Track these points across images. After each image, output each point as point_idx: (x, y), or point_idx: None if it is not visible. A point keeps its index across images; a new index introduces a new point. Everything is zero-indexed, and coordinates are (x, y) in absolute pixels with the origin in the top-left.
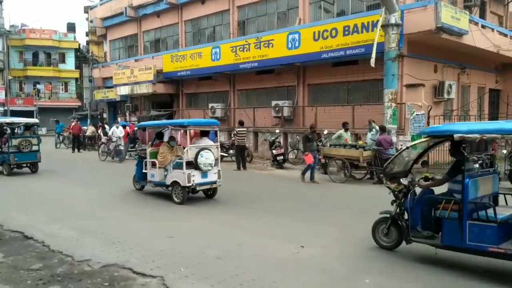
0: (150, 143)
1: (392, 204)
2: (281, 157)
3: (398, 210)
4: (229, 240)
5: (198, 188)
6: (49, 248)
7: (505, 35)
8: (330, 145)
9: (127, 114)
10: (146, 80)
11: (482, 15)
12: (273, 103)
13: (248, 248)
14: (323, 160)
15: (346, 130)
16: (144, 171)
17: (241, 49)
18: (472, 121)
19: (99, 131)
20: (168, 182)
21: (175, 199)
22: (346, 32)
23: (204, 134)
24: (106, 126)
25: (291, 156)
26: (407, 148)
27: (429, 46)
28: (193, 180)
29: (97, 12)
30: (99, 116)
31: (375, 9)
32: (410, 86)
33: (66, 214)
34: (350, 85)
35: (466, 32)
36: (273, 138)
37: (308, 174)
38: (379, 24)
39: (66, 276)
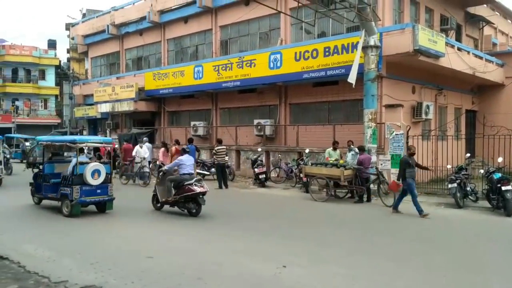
0: None
1: None
2: (263, 176)
3: None
4: (210, 260)
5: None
6: (25, 268)
7: (481, 58)
8: (312, 164)
9: (107, 131)
10: (127, 98)
11: (458, 38)
12: (255, 121)
13: (229, 268)
14: (304, 179)
15: (334, 149)
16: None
17: (223, 68)
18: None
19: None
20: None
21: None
22: (327, 53)
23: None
24: None
25: (273, 174)
26: None
27: (407, 67)
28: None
29: (78, 29)
30: (78, 134)
31: (355, 31)
32: (389, 106)
33: (41, 233)
34: (330, 104)
35: (442, 55)
36: (255, 156)
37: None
38: (359, 46)
39: None
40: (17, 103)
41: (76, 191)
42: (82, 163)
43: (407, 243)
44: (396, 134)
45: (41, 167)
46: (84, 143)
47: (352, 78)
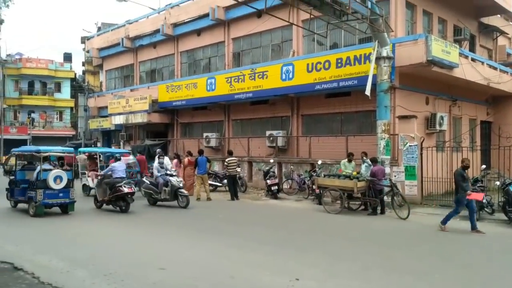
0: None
1: None
2: (276, 187)
3: None
4: (222, 272)
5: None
6: (39, 280)
7: (495, 68)
8: (325, 175)
9: (121, 143)
10: (141, 110)
11: (472, 49)
12: (268, 133)
13: (241, 281)
14: (317, 191)
15: (349, 161)
16: None
17: (236, 80)
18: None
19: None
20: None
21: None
22: (339, 64)
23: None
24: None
25: (285, 186)
26: None
27: (421, 78)
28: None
29: (94, 42)
30: (93, 145)
31: (367, 42)
32: (402, 117)
33: (55, 243)
34: (343, 116)
35: (456, 65)
36: (267, 168)
37: (448, 220)
38: (373, 57)
39: None
40: (33, 115)
41: (40, 194)
42: (45, 170)
43: (423, 256)
44: (410, 146)
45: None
46: (47, 152)
47: (368, 90)
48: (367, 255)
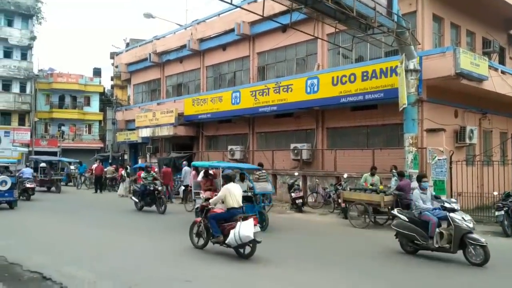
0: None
1: None
2: (300, 201)
3: None
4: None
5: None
6: None
7: None
8: (350, 189)
9: (147, 155)
10: (167, 123)
11: (502, 61)
12: (292, 146)
13: None
14: (343, 205)
15: (372, 174)
16: None
17: (260, 93)
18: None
19: (123, 172)
20: None
21: None
22: (365, 77)
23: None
24: (128, 167)
25: (310, 199)
26: None
27: (449, 91)
28: None
29: (122, 58)
30: (120, 158)
31: (393, 55)
32: (430, 130)
33: (83, 255)
34: (369, 129)
35: (486, 78)
36: (292, 181)
37: None
38: (402, 70)
39: None
40: (63, 128)
41: None
42: None
43: (456, 274)
44: (438, 159)
45: None
46: None
47: (402, 104)
48: (397, 273)
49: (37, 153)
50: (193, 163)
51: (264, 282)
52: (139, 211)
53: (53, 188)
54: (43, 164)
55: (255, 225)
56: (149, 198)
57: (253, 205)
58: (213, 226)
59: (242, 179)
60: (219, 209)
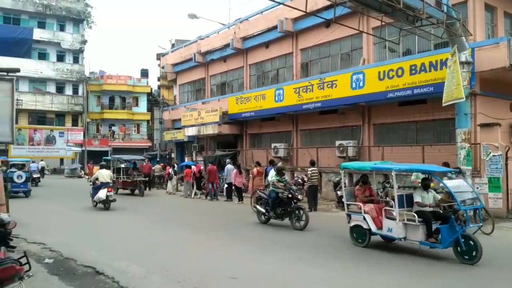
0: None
1: None
2: None
3: None
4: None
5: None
6: (119, 284)
7: None
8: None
9: (193, 154)
10: (212, 122)
11: None
12: (337, 143)
13: None
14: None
15: None
16: None
17: (304, 90)
18: None
19: (170, 170)
20: None
21: None
22: (413, 71)
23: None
24: (175, 165)
25: None
26: None
27: (504, 83)
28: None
29: (168, 58)
30: (167, 156)
31: (443, 47)
32: (484, 125)
33: (134, 249)
34: (418, 124)
35: None
36: (337, 178)
37: None
38: (456, 63)
39: None
40: (113, 128)
41: (9, 185)
42: (12, 172)
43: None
44: (493, 155)
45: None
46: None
47: (448, 99)
48: (446, 275)
49: (90, 152)
50: (342, 164)
51: (307, 284)
52: (262, 224)
53: (136, 191)
54: (124, 165)
55: None
56: (281, 209)
57: (452, 225)
58: None
59: (425, 187)
60: None
